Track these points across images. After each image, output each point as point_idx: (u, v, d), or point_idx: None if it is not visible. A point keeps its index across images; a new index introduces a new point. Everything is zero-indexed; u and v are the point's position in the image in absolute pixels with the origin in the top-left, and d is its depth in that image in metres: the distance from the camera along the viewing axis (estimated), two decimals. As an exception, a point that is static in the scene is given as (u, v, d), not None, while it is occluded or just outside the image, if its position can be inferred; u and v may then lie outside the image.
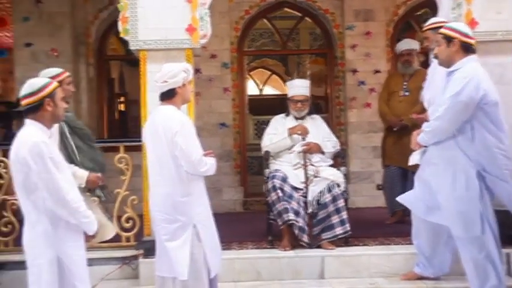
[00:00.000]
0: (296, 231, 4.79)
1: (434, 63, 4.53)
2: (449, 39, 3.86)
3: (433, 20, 4.65)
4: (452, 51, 3.85)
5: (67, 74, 4.07)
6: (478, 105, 3.74)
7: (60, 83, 3.94)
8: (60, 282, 2.89)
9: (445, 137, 3.85)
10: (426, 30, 4.54)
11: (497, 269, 3.83)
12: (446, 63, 3.92)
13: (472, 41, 3.87)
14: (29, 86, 2.96)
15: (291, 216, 4.75)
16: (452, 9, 4.76)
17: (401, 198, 4.33)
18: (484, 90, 3.74)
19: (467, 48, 3.85)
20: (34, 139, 2.85)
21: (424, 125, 4.03)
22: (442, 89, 4.12)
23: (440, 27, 4.37)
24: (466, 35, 3.86)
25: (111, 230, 4.10)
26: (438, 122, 3.84)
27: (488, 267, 3.82)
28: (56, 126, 3.74)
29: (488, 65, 4.29)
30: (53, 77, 3.87)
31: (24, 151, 2.83)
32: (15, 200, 3.09)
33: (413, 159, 4.17)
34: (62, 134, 3.98)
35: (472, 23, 4.66)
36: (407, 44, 5.93)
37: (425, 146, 4.05)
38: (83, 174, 3.88)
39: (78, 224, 2.94)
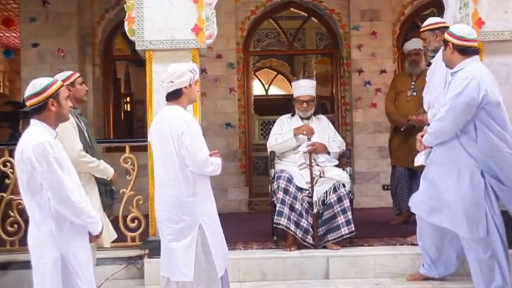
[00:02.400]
0: (300, 233, 4.78)
1: (433, 65, 4.54)
2: (445, 43, 3.92)
3: (431, 20, 4.65)
4: (448, 54, 3.90)
5: (77, 74, 4.13)
6: (480, 106, 3.74)
7: (72, 84, 3.99)
8: (65, 282, 2.89)
9: (448, 137, 3.85)
10: (424, 31, 4.55)
11: (502, 269, 3.81)
12: (449, 65, 3.97)
13: (467, 44, 3.87)
14: (33, 86, 2.97)
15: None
16: (459, 8, 4.75)
17: (411, 202, 4.32)
18: (485, 90, 3.74)
19: (464, 51, 3.86)
20: (39, 139, 2.86)
21: (428, 126, 4.03)
22: (443, 89, 4.16)
23: (438, 28, 4.43)
24: (461, 38, 3.87)
25: (110, 236, 4.11)
26: (441, 123, 3.85)
27: (493, 267, 3.81)
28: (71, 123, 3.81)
29: (495, 65, 4.28)
30: (63, 80, 3.92)
31: (29, 151, 2.84)
32: (21, 199, 3.09)
33: (418, 160, 4.18)
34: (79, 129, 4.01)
35: (479, 23, 4.65)
36: (415, 44, 5.90)
37: (430, 147, 4.05)
38: (111, 168, 4.07)
39: (83, 224, 2.95)
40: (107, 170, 4.03)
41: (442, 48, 4.10)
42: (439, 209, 3.95)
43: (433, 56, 4.52)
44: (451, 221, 3.89)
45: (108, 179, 4.06)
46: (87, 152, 3.93)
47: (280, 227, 4.79)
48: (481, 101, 3.73)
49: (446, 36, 3.95)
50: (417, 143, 4.17)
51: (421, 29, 4.66)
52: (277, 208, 4.80)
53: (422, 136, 4.12)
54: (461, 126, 3.79)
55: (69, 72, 4.13)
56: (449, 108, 3.77)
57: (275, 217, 4.79)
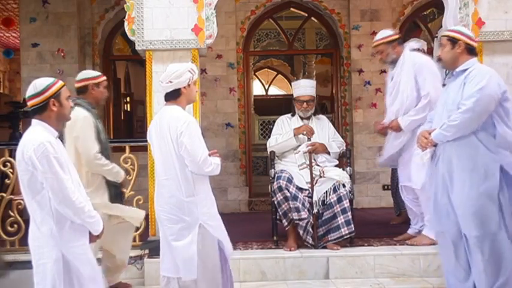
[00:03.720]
0: (301, 232, 4.80)
1: (396, 77, 4.58)
2: (454, 41, 3.89)
3: (384, 33, 4.87)
4: (457, 52, 3.88)
5: (104, 78, 4.25)
6: (499, 102, 3.75)
7: (98, 85, 4.12)
8: (66, 282, 2.89)
9: (468, 131, 3.76)
10: (379, 44, 4.67)
11: (507, 270, 3.78)
12: (451, 64, 3.94)
13: (475, 44, 3.92)
14: (34, 87, 2.97)
15: (296, 215, 4.76)
16: (459, 8, 4.76)
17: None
18: (504, 87, 3.79)
19: (471, 51, 3.89)
20: (40, 139, 2.86)
21: (449, 119, 3.90)
22: (415, 98, 4.41)
23: (394, 40, 4.56)
24: (470, 38, 3.92)
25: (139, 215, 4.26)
26: (467, 114, 3.72)
27: (497, 267, 3.78)
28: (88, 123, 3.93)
29: (495, 65, 4.28)
30: (91, 78, 4.14)
31: (30, 151, 2.84)
32: (21, 199, 3.09)
33: (424, 158, 4.04)
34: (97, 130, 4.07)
35: (479, 23, 4.67)
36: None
37: (434, 145, 3.96)
38: (122, 172, 4.19)
39: (83, 224, 2.95)
40: (119, 173, 4.11)
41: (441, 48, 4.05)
42: (440, 215, 3.87)
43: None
44: (461, 221, 3.82)
45: (118, 182, 4.12)
46: (102, 153, 4.01)
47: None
48: (500, 96, 3.75)
49: (456, 35, 3.90)
50: (422, 140, 3.93)
51: (375, 43, 4.86)
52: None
53: (429, 133, 3.99)
54: (483, 120, 3.76)
55: (98, 73, 4.27)
56: (477, 99, 3.70)
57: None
